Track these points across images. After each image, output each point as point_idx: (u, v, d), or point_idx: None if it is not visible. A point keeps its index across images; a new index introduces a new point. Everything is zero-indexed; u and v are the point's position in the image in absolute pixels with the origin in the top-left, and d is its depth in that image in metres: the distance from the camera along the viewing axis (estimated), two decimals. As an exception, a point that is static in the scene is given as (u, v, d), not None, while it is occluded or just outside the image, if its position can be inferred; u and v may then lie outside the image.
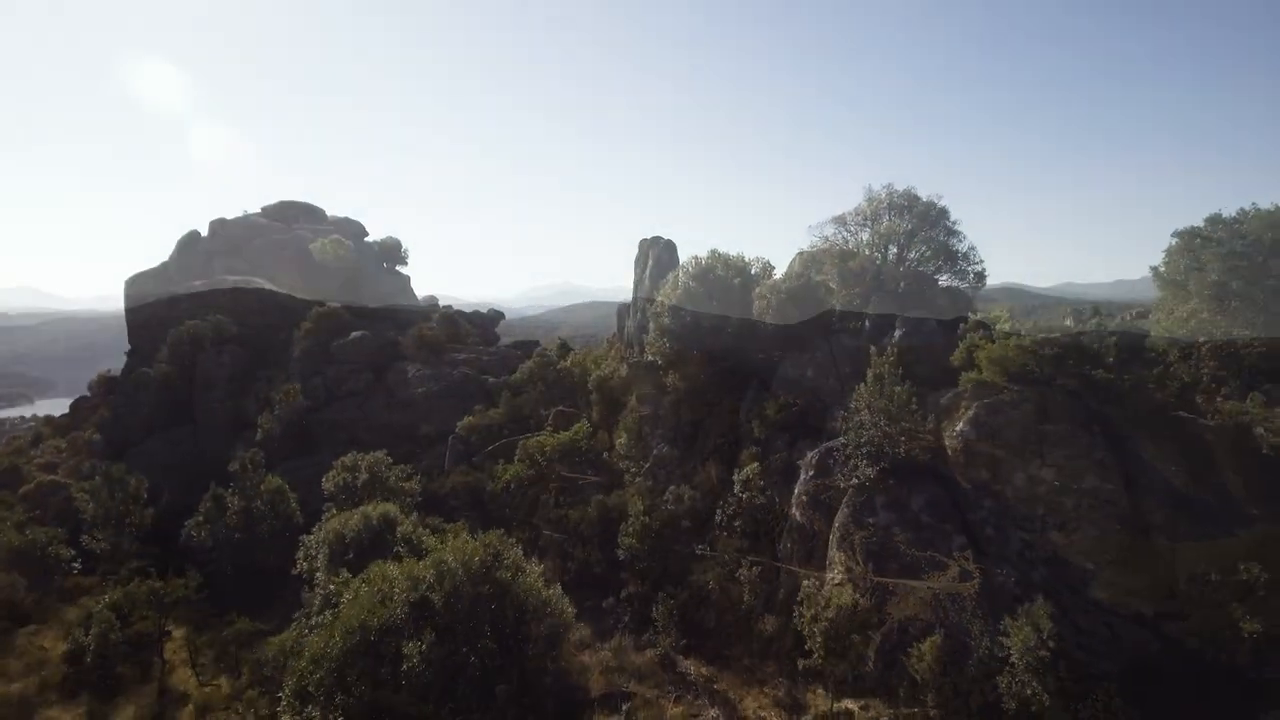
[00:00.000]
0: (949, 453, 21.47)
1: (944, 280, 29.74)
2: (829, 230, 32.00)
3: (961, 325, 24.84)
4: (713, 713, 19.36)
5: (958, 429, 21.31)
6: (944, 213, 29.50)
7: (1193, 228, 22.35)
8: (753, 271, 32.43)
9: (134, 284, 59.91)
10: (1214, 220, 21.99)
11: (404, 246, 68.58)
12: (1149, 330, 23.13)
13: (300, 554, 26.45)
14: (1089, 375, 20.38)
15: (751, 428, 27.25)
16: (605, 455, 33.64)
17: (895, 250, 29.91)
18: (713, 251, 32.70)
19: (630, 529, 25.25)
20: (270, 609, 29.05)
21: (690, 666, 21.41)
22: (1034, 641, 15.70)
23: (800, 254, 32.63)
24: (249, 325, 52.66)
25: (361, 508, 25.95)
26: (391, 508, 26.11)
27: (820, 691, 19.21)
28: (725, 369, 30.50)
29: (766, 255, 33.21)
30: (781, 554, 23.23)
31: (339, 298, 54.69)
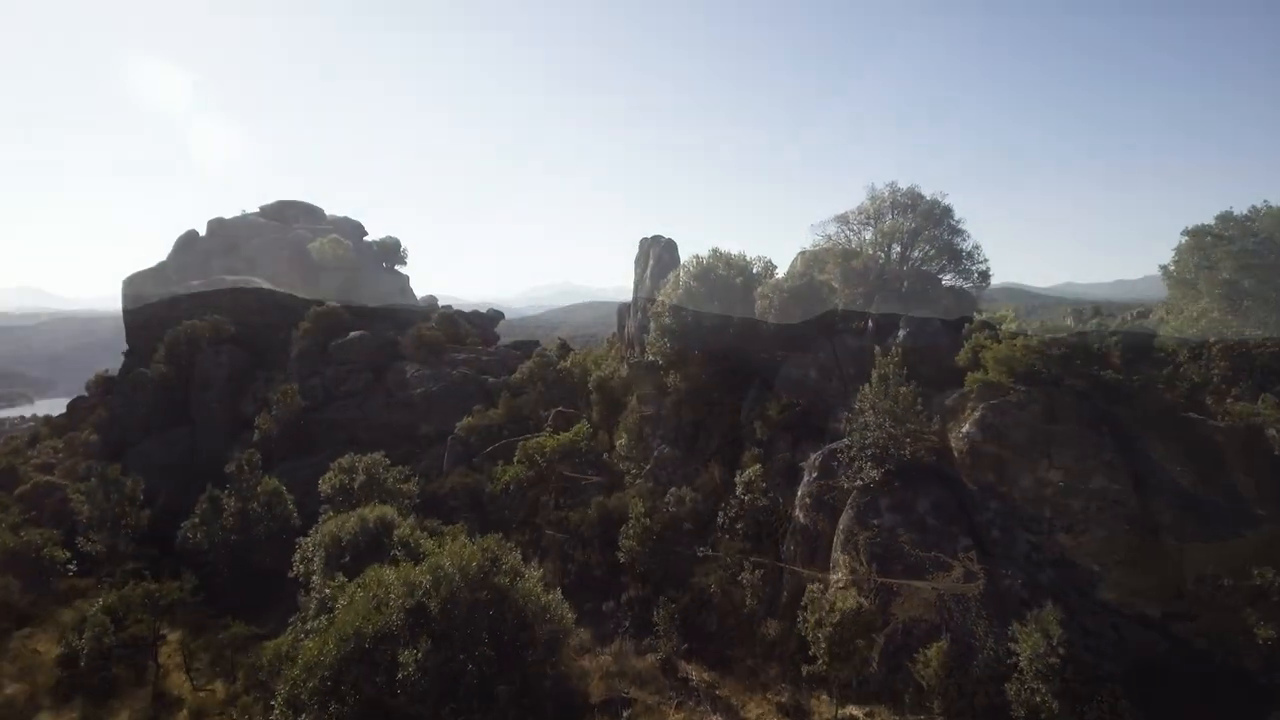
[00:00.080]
0: (955, 454, 21.18)
1: (948, 280, 29.43)
2: (831, 229, 31.76)
3: (966, 325, 24.54)
4: (715, 719, 19.06)
5: (964, 430, 21.01)
6: (948, 211, 29.20)
7: (1204, 226, 21.99)
8: (754, 270, 32.11)
9: (131, 284, 59.55)
10: (1225, 218, 21.64)
11: (403, 246, 68.30)
12: (1155, 330, 22.82)
13: (297, 557, 26.15)
14: (1097, 375, 20.08)
15: (753, 428, 26.93)
16: (605, 456, 33.33)
17: (899, 249, 29.59)
18: (714, 250, 32.39)
19: (631, 531, 24.93)
20: (267, 611, 28.73)
21: (692, 671, 21.11)
22: (1044, 648, 15.40)
23: (802, 253, 32.34)
24: (247, 325, 52.33)
25: (358, 510, 25.62)
26: (389, 510, 25.78)
27: (824, 697, 18.91)
28: (727, 369, 30.17)
29: (768, 254, 32.90)
30: (785, 556, 22.92)
31: (338, 297, 54.35)
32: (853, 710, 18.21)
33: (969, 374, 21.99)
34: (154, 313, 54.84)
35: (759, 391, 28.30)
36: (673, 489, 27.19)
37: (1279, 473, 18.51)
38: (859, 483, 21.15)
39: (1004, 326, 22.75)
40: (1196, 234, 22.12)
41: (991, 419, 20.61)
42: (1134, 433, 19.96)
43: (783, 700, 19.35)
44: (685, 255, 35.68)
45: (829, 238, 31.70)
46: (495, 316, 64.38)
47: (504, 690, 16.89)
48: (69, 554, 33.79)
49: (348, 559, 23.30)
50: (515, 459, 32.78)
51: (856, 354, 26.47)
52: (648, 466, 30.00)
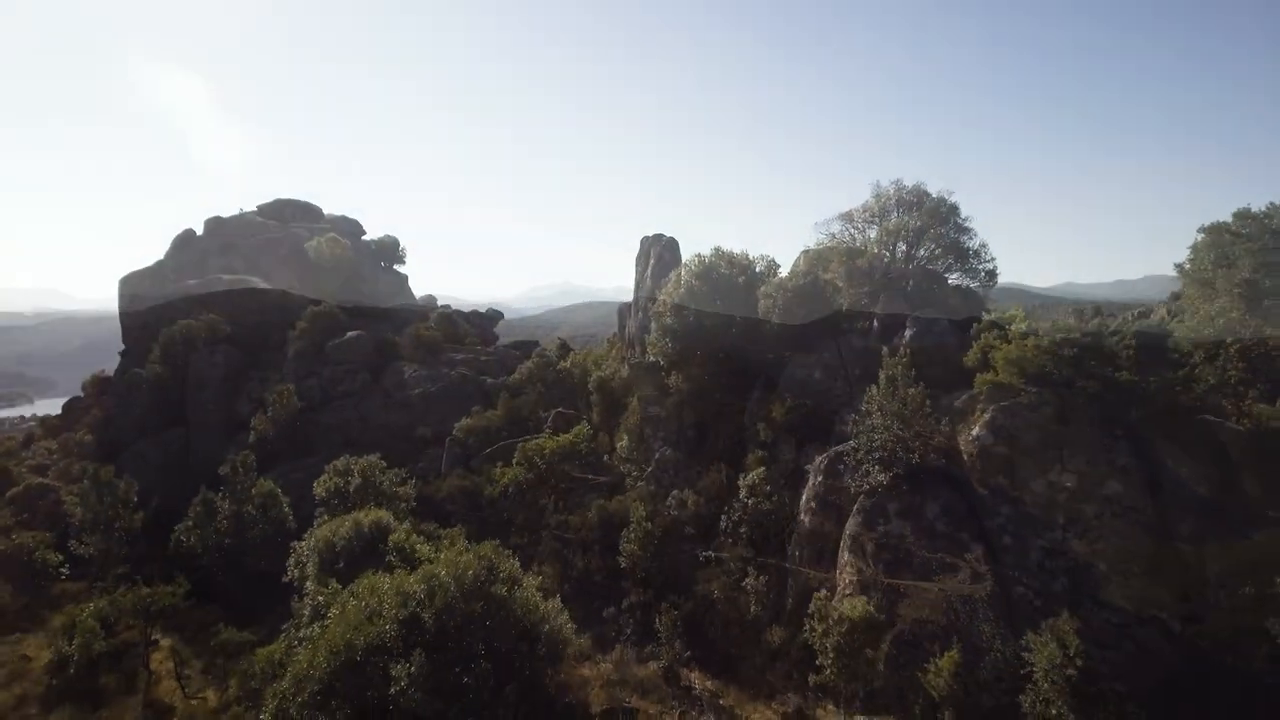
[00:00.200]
0: (964, 457, 20.65)
1: (954, 279, 28.92)
2: (836, 227, 31.24)
3: (975, 325, 23.98)
4: (719, 730, 18.57)
5: (974, 432, 20.49)
6: (954, 209, 28.67)
7: (1221, 223, 21.41)
8: (757, 269, 31.60)
9: (128, 283, 58.98)
10: (1242, 215, 21.05)
11: (402, 245, 67.82)
12: (1165, 330, 22.27)
13: (291, 561, 25.57)
14: (1110, 377, 19.53)
15: (757, 430, 26.41)
16: (606, 458, 32.82)
17: (904, 248, 29.07)
18: (716, 249, 31.88)
19: (632, 535, 24.43)
20: (261, 616, 28.18)
21: (695, 679, 20.63)
22: (1060, 659, 14.87)
23: (806, 252, 31.78)
24: (243, 325, 51.81)
25: (353, 514, 25.06)
26: (384, 514, 25.24)
27: (831, 707, 18.42)
28: (729, 370, 29.62)
29: (771, 253, 32.37)
30: (790, 561, 22.39)
31: (335, 297, 53.79)
32: (861, 721, 17.71)
33: (978, 375, 21.49)
34: (151, 313, 54.32)
35: (762, 392, 27.77)
36: (675, 492, 26.69)
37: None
38: (866, 486, 20.64)
39: (1014, 326, 22.19)
40: (1214, 231, 21.54)
41: (1002, 421, 20.10)
42: (1148, 435, 19.44)
43: (788, 710, 18.90)
44: (687, 254, 35.13)
45: (833, 236, 31.19)
46: (494, 316, 63.87)
47: (502, 704, 16.36)
48: (61, 557, 33.33)
49: (342, 564, 22.75)
50: (514, 461, 32.27)
51: (862, 354, 25.96)
52: (649, 469, 29.48)
